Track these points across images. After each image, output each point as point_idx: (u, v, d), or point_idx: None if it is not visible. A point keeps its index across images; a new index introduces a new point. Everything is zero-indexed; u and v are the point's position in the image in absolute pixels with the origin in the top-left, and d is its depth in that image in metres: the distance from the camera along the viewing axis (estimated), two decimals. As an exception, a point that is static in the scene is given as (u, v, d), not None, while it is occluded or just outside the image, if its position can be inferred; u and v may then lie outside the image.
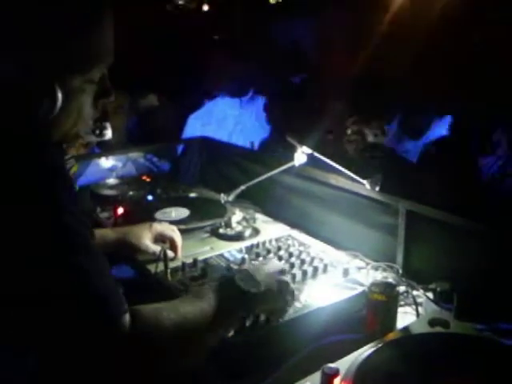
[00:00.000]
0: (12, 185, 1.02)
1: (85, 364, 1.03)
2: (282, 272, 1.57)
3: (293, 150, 2.19)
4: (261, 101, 3.61)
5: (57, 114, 1.14)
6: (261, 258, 1.89)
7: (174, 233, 1.97)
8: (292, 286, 1.54)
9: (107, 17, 1.18)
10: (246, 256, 1.89)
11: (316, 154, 2.14)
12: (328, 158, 2.02)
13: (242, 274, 1.41)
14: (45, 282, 1.01)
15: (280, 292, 1.48)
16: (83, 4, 1.14)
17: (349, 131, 2.39)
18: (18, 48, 1.09)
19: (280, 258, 1.88)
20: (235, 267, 1.80)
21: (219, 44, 4.51)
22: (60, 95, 1.12)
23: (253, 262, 1.85)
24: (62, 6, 1.10)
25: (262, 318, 1.50)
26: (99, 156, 2.88)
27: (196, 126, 3.49)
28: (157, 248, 1.88)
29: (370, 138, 2.29)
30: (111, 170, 2.90)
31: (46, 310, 1.02)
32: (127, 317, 1.07)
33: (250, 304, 1.39)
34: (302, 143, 2.16)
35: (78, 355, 1.03)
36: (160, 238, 1.97)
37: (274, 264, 1.59)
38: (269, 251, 1.94)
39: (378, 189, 2.00)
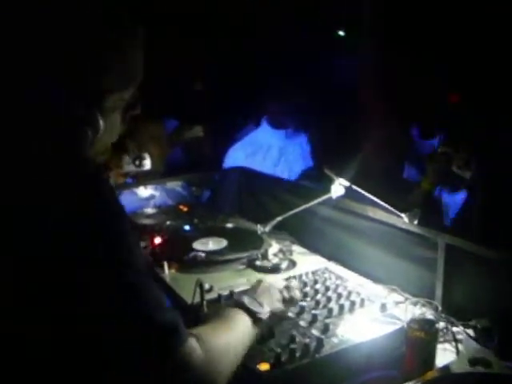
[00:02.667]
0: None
1: None
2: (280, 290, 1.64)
3: (331, 181, 2.18)
4: (306, 133, 3.62)
5: None
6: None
7: None
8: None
9: (140, 44, 1.24)
10: (296, 282, 1.88)
11: (354, 187, 2.13)
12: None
13: (251, 299, 1.48)
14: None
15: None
16: (123, 33, 1.20)
17: (438, 150, 2.36)
18: (63, 76, 1.13)
19: (317, 292, 1.86)
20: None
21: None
22: (102, 124, 1.18)
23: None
24: (105, 37, 1.16)
25: (298, 353, 1.49)
26: (137, 185, 2.92)
27: (240, 156, 3.48)
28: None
29: (454, 168, 2.26)
30: (149, 199, 2.93)
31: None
32: (193, 342, 1.13)
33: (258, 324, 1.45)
34: (339, 175, 2.15)
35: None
36: None
37: (269, 284, 1.65)
38: (305, 284, 1.93)
39: (416, 222, 1.97)
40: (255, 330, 1.43)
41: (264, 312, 1.48)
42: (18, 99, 1.13)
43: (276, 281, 1.76)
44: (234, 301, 1.56)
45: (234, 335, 1.33)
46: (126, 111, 1.31)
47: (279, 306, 1.59)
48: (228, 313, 1.43)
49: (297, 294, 1.69)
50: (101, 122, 1.18)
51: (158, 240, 2.30)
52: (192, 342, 1.13)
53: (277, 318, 1.58)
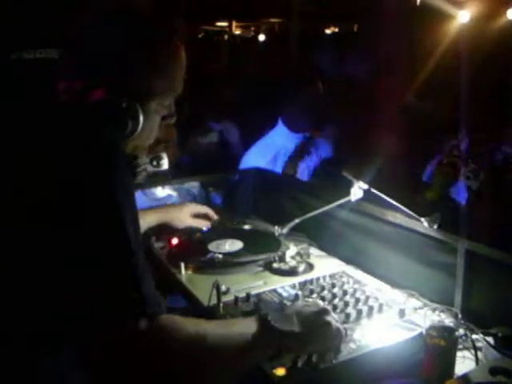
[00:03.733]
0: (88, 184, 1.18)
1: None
2: (326, 312, 1.51)
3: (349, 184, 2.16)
4: (321, 138, 3.59)
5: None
6: (314, 295, 1.86)
7: (205, 208, 2.44)
8: (338, 325, 1.50)
9: (183, 56, 1.45)
10: (300, 292, 1.86)
11: (373, 190, 2.11)
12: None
13: (279, 314, 1.47)
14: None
15: (323, 334, 1.46)
16: (168, 48, 1.42)
17: (445, 160, 2.35)
18: (119, 76, 1.35)
19: (334, 296, 1.84)
20: (288, 303, 1.78)
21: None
22: (142, 119, 1.36)
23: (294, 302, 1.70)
24: (153, 51, 1.39)
25: (314, 358, 1.47)
26: (155, 185, 2.91)
27: (260, 163, 3.41)
28: (199, 223, 2.42)
29: (463, 177, 2.24)
30: (166, 199, 2.93)
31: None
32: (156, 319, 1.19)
33: (283, 342, 1.40)
34: (358, 178, 2.13)
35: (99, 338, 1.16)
36: (196, 216, 2.43)
37: (316, 305, 1.55)
38: (323, 288, 1.91)
39: (436, 227, 1.95)
40: (266, 343, 1.37)
41: (289, 331, 1.40)
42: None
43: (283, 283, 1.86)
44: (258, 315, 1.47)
45: (220, 332, 1.32)
46: (163, 118, 1.49)
47: (317, 333, 1.46)
48: (238, 318, 1.57)
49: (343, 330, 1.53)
50: (141, 118, 1.36)
51: (175, 241, 2.30)
52: (163, 320, 1.21)
53: (305, 345, 1.46)
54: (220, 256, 2.15)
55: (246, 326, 1.36)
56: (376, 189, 2.08)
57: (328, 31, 10.03)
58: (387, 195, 2.02)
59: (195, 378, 1.26)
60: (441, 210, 2.25)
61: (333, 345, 1.49)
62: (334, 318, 1.51)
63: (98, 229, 1.18)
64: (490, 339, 1.63)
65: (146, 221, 2.23)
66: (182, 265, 2.07)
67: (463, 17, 4.79)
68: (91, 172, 1.19)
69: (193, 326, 1.28)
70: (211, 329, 1.31)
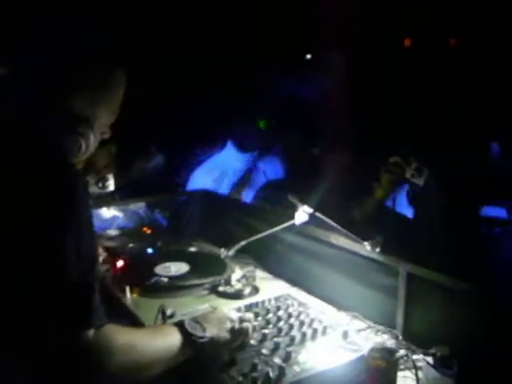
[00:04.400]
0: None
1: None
2: (228, 317, 1.68)
3: (294, 208, 2.20)
4: (270, 158, 3.64)
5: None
6: (260, 318, 1.87)
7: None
8: (242, 325, 1.67)
9: (123, 83, 1.55)
10: (252, 315, 1.87)
11: (317, 214, 2.15)
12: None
13: (193, 322, 1.56)
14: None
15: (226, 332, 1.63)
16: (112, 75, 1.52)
17: (390, 160, 2.41)
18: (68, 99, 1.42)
19: (279, 319, 1.87)
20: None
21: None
22: (92, 143, 1.47)
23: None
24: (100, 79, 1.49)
25: (259, 382, 1.49)
26: (100, 206, 2.89)
27: (206, 180, 3.46)
28: None
29: (408, 175, 2.32)
30: (111, 220, 2.90)
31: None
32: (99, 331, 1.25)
33: (197, 346, 1.52)
34: (303, 202, 2.17)
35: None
36: None
37: (220, 312, 1.73)
38: (268, 311, 1.93)
39: (378, 250, 2.00)
40: (186, 350, 1.48)
41: (202, 336, 1.53)
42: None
43: (231, 311, 1.81)
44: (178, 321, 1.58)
45: (150, 339, 1.43)
46: (100, 134, 1.57)
47: (225, 335, 1.62)
48: (162, 326, 1.65)
49: (248, 327, 1.69)
50: (92, 141, 1.47)
51: (120, 263, 2.28)
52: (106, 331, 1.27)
53: (218, 345, 1.60)
54: (165, 279, 2.14)
55: (169, 333, 1.49)
56: (325, 205, 2.12)
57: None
58: (335, 211, 2.07)
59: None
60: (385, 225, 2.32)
61: (239, 340, 1.66)
62: (235, 320, 1.68)
63: (46, 241, 1.21)
64: (430, 359, 1.67)
65: None
66: (127, 288, 2.05)
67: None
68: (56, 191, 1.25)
69: (125, 335, 1.34)
70: (140, 337, 1.40)
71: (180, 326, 1.52)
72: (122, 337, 1.31)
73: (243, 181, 3.46)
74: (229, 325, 1.65)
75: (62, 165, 1.31)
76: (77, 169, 1.37)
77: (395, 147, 2.53)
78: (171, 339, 1.47)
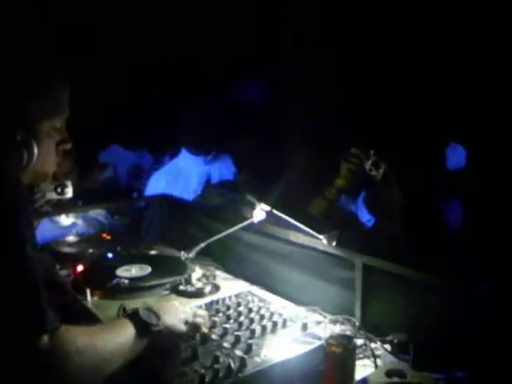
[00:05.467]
0: None
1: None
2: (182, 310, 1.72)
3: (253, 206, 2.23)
4: (225, 158, 3.68)
5: None
6: (220, 314, 1.90)
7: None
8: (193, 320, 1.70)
9: (62, 81, 1.55)
10: (206, 312, 1.89)
11: (275, 211, 2.18)
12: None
13: (148, 311, 1.57)
14: None
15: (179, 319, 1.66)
16: (43, 74, 1.50)
17: (351, 151, 2.45)
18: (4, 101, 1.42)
19: (239, 314, 1.89)
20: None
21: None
22: (36, 149, 1.44)
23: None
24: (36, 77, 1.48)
25: (222, 373, 1.51)
26: (59, 213, 2.87)
27: (161, 183, 3.50)
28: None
29: (366, 168, 2.36)
30: (70, 227, 2.89)
31: None
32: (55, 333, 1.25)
33: (151, 336, 1.52)
34: (261, 200, 2.20)
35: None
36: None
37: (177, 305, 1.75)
38: (228, 307, 1.96)
39: (334, 244, 2.04)
40: (142, 340, 1.50)
41: (157, 324, 1.55)
42: None
43: (188, 305, 1.85)
44: (132, 312, 1.62)
45: (105, 336, 1.42)
46: (58, 144, 1.56)
47: (179, 325, 1.65)
48: (114, 320, 1.64)
49: (201, 322, 1.73)
50: (35, 149, 1.44)
51: (80, 268, 2.27)
52: (60, 334, 1.26)
53: (173, 334, 1.62)
54: (126, 281, 2.15)
55: (124, 326, 1.49)
56: (285, 201, 2.16)
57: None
58: (296, 207, 2.11)
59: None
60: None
61: (191, 333, 1.69)
62: (189, 313, 1.72)
63: None
64: (388, 346, 1.72)
65: None
66: (88, 291, 2.05)
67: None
68: None
69: (80, 336, 1.33)
70: (96, 336, 1.39)
71: (135, 315, 1.53)
72: (78, 338, 1.30)
73: (199, 183, 3.48)
74: (183, 316, 1.68)
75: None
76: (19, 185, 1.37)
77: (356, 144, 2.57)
78: (127, 332, 1.47)
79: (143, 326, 1.51)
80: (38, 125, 1.47)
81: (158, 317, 1.57)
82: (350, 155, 2.44)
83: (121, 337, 1.45)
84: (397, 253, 2.31)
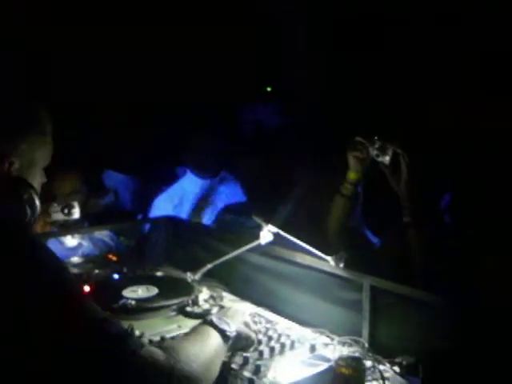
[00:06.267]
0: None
1: None
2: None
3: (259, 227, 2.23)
4: (231, 181, 3.68)
5: None
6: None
7: None
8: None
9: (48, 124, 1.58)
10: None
11: (282, 233, 2.18)
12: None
13: (219, 318, 1.65)
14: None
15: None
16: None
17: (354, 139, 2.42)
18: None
19: (247, 335, 1.89)
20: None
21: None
22: (38, 203, 1.46)
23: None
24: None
25: None
26: (64, 234, 2.87)
27: (167, 207, 3.48)
28: None
29: (373, 155, 2.33)
30: (76, 248, 2.89)
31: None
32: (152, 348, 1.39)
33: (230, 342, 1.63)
34: (268, 222, 2.20)
35: None
36: None
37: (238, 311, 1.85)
38: (236, 328, 1.95)
39: (342, 265, 2.04)
40: (225, 345, 1.60)
41: (231, 330, 1.63)
42: None
43: (244, 311, 1.91)
44: (204, 319, 1.68)
45: (204, 345, 1.51)
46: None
47: (246, 329, 1.75)
48: (200, 328, 1.62)
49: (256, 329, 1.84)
50: (37, 203, 1.46)
51: (86, 289, 2.27)
52: (151, 348, 1.38)
53: (243, 339, 1.72)
54: (133, 302, 2.14)
55: (213, 335, 1.59)
56: (293, 222, 2.16)
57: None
58: (301, 238, 2.10)
59: None
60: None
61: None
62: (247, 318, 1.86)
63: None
64: (397, 368, 1.71)
65: None
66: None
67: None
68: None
69: (187, 349, 1.44)
70: (199, 347, 1.49)
71: (210, 323, 1.62)
72: (180, 349, 1.41)
73: (203, 204, 3.48)
74: (246, 320, 1.81)
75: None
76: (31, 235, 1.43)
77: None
78: (216, 339, 1.58)
79: (222, 332, 1.60)
80: (34, 168, 1.53)
81: (228, 323, 1.65)
82: (354, 143, 2.41)
83: (214, 344, 1.55)
84: (409, 240, 2.28)
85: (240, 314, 1.80)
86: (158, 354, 1.36)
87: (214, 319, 1.63)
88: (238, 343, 1.70)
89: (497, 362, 1.60)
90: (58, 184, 2.91)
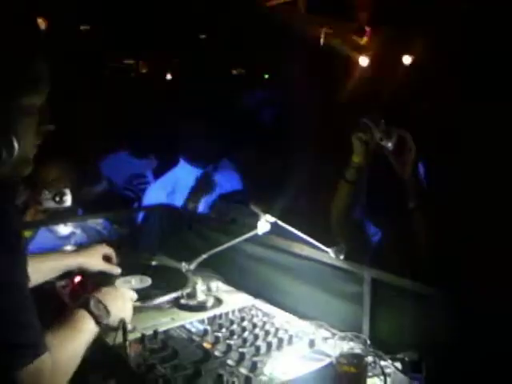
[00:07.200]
0: None
1: None
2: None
3: (257, 218, 2.16)
4: (227, 169, 3.62)
5: None
6: (224, 329, 1.83)
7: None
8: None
9: (37, 52, 1.41)
10: (209, 327, 1.83)
11: (280, 223, 2.12)
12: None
13: (97, 302, 1.68)
14: None
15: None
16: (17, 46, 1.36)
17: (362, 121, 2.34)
18: None
19: (244, 329, 1.83)
20: (197, 339, 1.76)
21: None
22: (16, 145, 1.31)
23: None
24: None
25: (227, 392, 1.44)
26: (57, 222, 2.80)
27: (160, 195, 3.42)
28: (111, 268, 2.25)
29: (376, 138, 2.25)
30: (69, 237, 2.82)
31: None
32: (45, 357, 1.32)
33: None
34: (265, 211, 2.13)
35: None
36: (107, 259, 2.29)
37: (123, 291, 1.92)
38: (232, 322, 1.89)
39: (342, 257, 1.97)
40: (96, 329, 1.62)
41: (109, 320, 1.68)
42: None
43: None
44: (82, 300, 1.69)
45: (79, 342, 1.52)
46: (40, 125, 1.42)
47: (127, 314, 1.79)
48: (74, 317, 1.59)
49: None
50: (15, 145, 1.31)
51: (77, 279, 2.20)
52: (44, 357, 1.31)
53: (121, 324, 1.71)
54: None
55: (87, 324, 1.60)
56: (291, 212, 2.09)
57: (234, 72, 10.19)
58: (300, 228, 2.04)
59: None
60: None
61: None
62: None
63: None
64: (398, 364, 1.65)
65: (55, 267, 2.10)
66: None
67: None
68: None
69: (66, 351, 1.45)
70: (76, 344, 1.51)
71: (87, 306, 1.63)
72: (59, 354, 1.39)
73: (197, 193, 3.41)
74: (130, 304, 1.85)
75: None
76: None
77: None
78: (90, 327, 1.60)
79: (96, 318, 1.62)
80: (16, 102, 1.34)
81: (107, 310, 1.68)
82: (359, 125, 2.33)
83: (86, 334, 1.56)
84: (415, 226, 2.22)
85: (124, 295, 1.88)
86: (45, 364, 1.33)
87: (92, 304, 1.65)
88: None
89: (500, 359, 1.55)
90: (44, 171, 2.84)
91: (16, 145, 1.32)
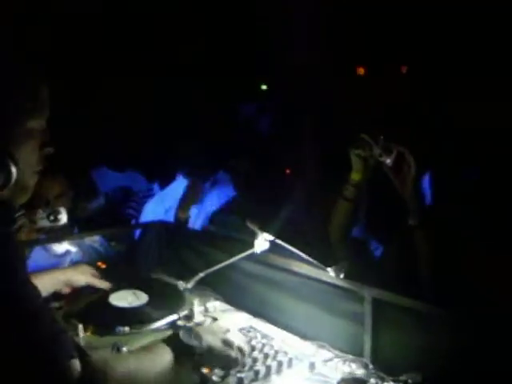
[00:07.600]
0: None
1: None
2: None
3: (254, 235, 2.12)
4: (223, 182, 3.59)
5: None
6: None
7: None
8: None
9: (38, 80, 1.37)
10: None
11: (278, 241, 2.07)
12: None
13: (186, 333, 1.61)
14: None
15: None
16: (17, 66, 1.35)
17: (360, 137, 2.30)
18: None
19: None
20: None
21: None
22: (14, 170, 1.26)
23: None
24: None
25: None
26: (51, 241, 2.75)
27: (159, 211, 3.40)
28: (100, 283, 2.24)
29: (376, 154, 2.21)
30: (64, 255, 2.78)
31: None
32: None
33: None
34: (262, 229, 2.09)
35: None
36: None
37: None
38: (230, 345, 1.84)
39: (342, 276, 1.93)
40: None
41: (200, 347, 1.58)
42: None
43: (232, 326, 1.85)
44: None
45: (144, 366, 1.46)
46: (40, 149, 1.38)
47: (223, 347, 1.65)
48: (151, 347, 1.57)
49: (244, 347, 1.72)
50: (13, 170, 1.26)
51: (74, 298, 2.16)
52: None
53: (220, 357, 1.63)
54: (126, 329, 1.96)
55: (160, 355, 1.53)
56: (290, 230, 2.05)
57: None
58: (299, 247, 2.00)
59: None
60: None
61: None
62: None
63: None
64: (401, 387, 1.61)
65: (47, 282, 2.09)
66: (80, 327, 1.92)
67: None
68: None
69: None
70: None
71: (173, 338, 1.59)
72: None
73: (186, 202, 3.38)
74: (227, 338, 1.69)
75: None
76: None
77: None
78: (164, 357, 1.51)
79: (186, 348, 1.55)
80: (17, 126, 1.31)
81: (200, 338, 1.60)
82: (358, 141, 2.29)
83: (159, 364, 1.48)
84: (417, 243, 2.18)
85: (223, 331, 1.73)
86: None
87: (181, 334, 1.58)
88: (214, 360, 1.62)
89: (506, 380, 1.50)
90: (43, 188, 2.79)
91: (14, 171, 1.27)
